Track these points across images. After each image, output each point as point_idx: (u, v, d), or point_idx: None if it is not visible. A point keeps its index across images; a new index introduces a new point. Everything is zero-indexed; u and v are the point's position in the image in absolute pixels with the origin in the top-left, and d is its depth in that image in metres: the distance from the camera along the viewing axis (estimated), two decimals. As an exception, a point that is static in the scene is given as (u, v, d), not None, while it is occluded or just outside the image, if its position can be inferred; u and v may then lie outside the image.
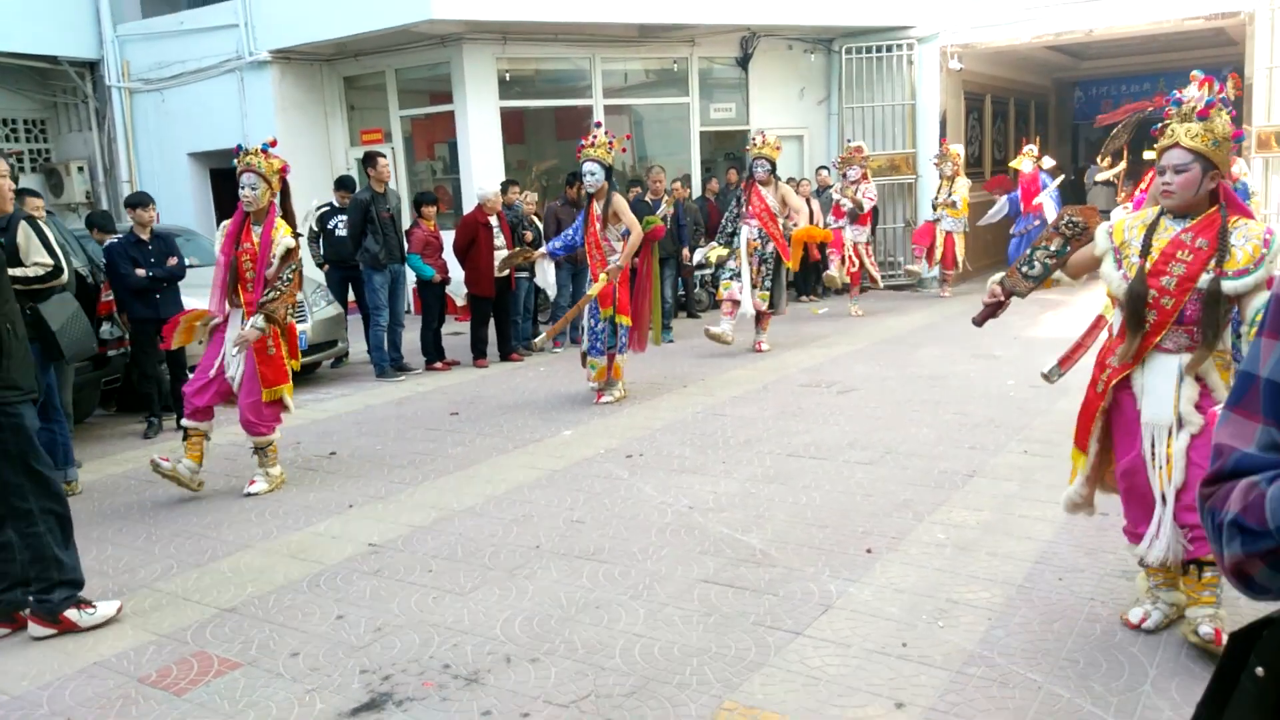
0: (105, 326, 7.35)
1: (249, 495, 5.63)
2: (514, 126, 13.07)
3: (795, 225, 9.22)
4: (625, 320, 7.39)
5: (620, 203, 7.38)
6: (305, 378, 9.30)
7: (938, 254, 12.55)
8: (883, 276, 13.60)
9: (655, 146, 14.56)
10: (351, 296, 9.84)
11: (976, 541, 4.35)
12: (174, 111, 13.99)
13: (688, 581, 4.08)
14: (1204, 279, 3.12)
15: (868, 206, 11.68)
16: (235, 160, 5.76)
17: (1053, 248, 3.57)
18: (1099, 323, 4.60)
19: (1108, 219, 3.63)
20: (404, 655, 3.56)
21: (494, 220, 9.43)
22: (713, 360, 9.08)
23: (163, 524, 5.25)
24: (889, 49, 13.60)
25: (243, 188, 5.59)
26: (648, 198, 10.54)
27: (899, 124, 13.78)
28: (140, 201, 7.47)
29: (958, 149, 12.62)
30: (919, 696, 3.09)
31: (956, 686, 3.14)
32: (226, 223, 5.80)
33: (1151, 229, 3.26)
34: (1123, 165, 9.60)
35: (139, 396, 7.54)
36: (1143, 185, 5.64)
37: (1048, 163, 13.32)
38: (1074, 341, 4.42)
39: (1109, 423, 3.42)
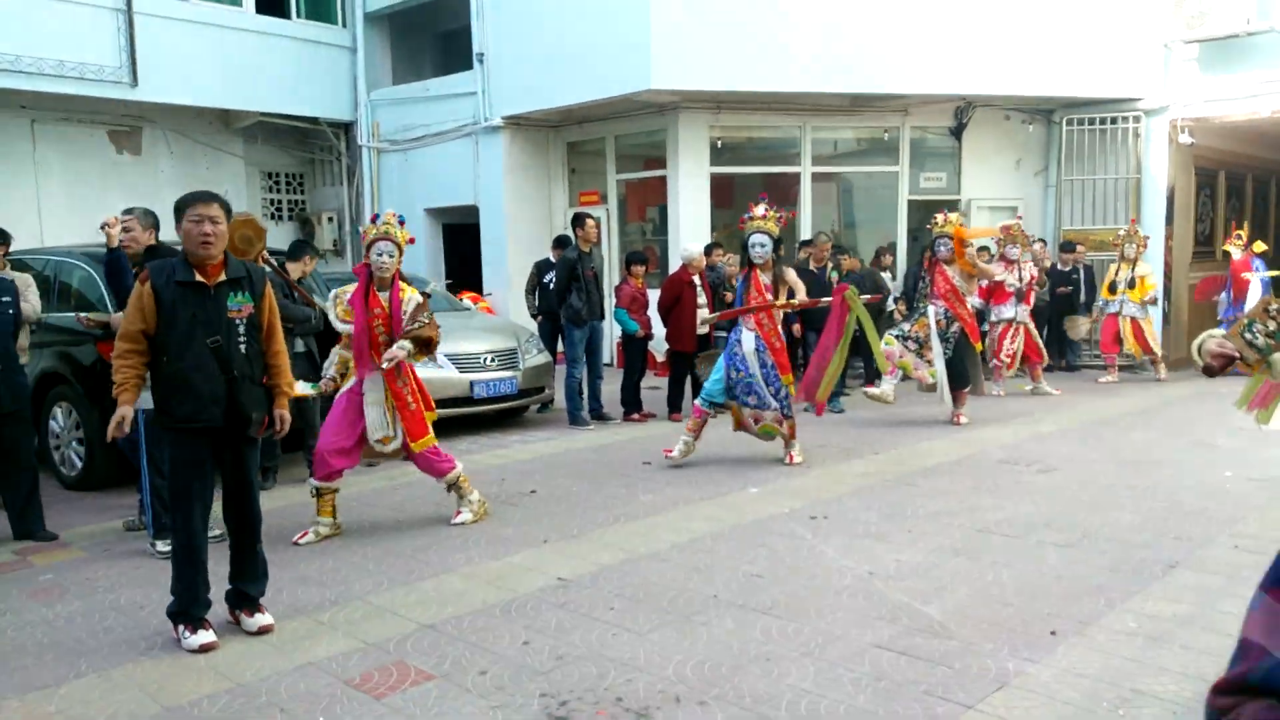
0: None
1: (455, 525, 6.08)
2: (723, 192, 13.47)
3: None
4: (791, 386, 7.62)
5: (789, 271, 7.72)
6: (512, 420, 9.89)
7: (1125, 344, 11.95)
8: (1096, 356, 13.01)
9: (862, 214, 14.60)
10: (560, 347, 10.41)
11: (1171, 634, 4.14)
12: (415, 169, 15.32)
13: (861, 645, 4.11)
14: None
15: (1010, 281, 10.93)
16: (363, 229, 6.13)
17: (1271, 326, 3.32)
18: None
19: None
20: (581, 684, 3.78)
21: (697, 280, 9.75)
22: (907, 430, 8.98)
23: (377, 544, 5.75)
24: (1113, 121, 13.10)
25: (379, 255, 5.83)
26: (811, 266, 10.55)
27: (1121, 198, 13.20)
28: (297, 253, 8.22)
29: (1146, 234, 12.06)
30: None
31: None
32: (345, 290, 6.01)
33: None
34: None
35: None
36: None
37: (1259, 247, 12.48)
38: None
39: None
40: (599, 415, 9.74)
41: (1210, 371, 3.49)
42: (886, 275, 12.67)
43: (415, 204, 15.29)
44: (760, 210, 7.49)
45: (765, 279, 7.49)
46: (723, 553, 5.40)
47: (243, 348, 4.27)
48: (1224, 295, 12.57)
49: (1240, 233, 12.53)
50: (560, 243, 10.94)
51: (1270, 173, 16.77)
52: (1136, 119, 12.95)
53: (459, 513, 6.18)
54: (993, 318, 11.15)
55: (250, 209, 15.58)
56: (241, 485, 4.44)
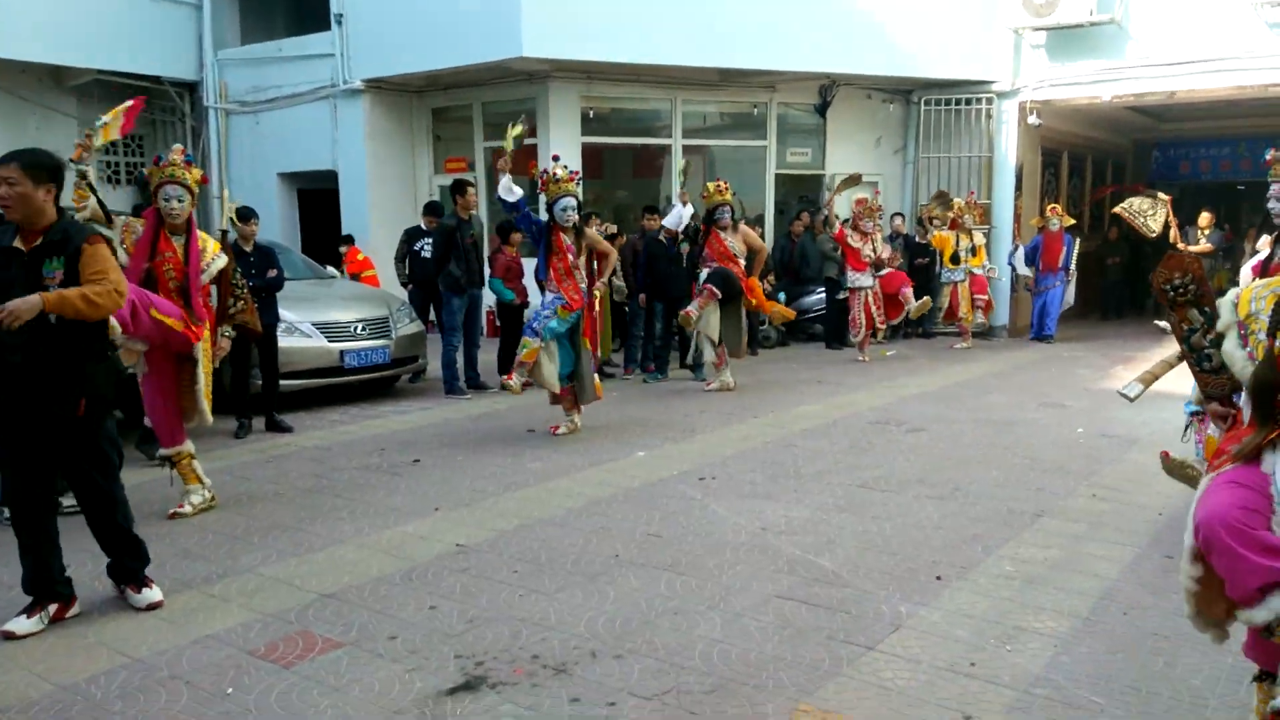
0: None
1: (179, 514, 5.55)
2: (594, 162, 13.45)
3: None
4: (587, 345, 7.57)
5: (593, 233, 7.78)
6: (385, 391, 9.67)
7: (964, 303, 12.60)
8: (951, 324, 13.71)
9: (730, 187, 14.80)
10: (432, 316, 10.22)
11: (1044, 576, 4.45)
12: (267, 134, 14.66)
13: (763, 596, 4.24)
14: None
15: (865, 252, 11.30)
16: (145, 172, 5.67)
17: (1196, 324, 3.00)
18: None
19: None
20: (495, 645, 3.77)
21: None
22: (781, 396, 9.24)
23: (258, 517, 5.54)
24: (967, 102, 13.76)
25: (167, 199, 5.46)
26: (661, 235, 10.39)
27: (975, 175, 13.90)
28: (245, 216, 7.92)
29: (986, 203, 12.96)
30: (986, 712, 3.22)
31: (1022, 705, 3.26)
32: (136, 224, 5.57)
33: None
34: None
35: (231, 399, 7.91)
36: (1259, 249, 5.39)
37: (1069, 221, 13.45)
38: (1158, 363, 4.53)
39: None
40: (476, 385, 9.63)
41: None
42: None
43: (268, 169, 14.66)
44: (564, 172, 7.34)
45: (569, 240, 7.36)
46: (618, 515, 5.46)
47: (52, 318, 3.74)
48: (1033, 263, 13.19)
49: (1057, 206, 13.36)
50: (431, 210, 10.72)
51: (1107, 154, 17.97)
52: (989, 101, 13.64)
53: (181, 505, 5.60)
54: (849, 284, 11.46)
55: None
56: (75, 461, 4.06)
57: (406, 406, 9.00)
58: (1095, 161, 17.49)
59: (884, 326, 11.58)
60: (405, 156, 14.24)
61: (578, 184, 7.49)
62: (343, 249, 12.92)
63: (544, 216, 7.50)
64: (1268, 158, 4.73)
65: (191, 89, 15.15)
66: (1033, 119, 13.55)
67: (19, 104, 13.98)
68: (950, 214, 12.54)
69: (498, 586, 4.37)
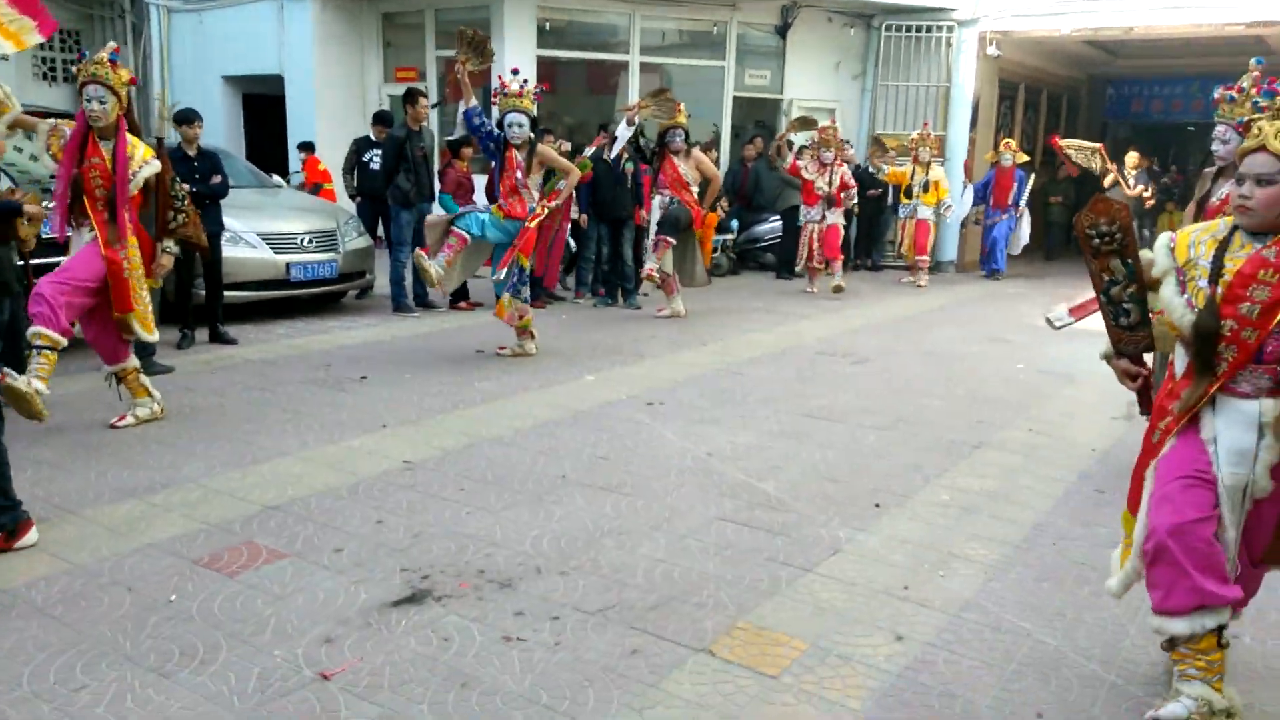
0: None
1: (120, 427, 5.45)
2: (548, 77, 13.16)
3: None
4: (524, 261, 7.30)
5: (547, 150, 7.45)
6: (331, 306, 9.55)
7: (908, 242, 12.53)
8: (898, 258, 13.83)
9: (687, 108, 14.54)
10: (381, 231, 10.04)
11: (979, 505, 4.59)
12: (211, 34, 14.11)
13: (706, 518, 4.33)
14: None
15: (820, 185, 11.12)
16: (75, 70, 5.36)
17: (1118, 276, 2.78)
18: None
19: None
20: (441, 559, 3.81)
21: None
22: (731, 324, 9.30)
23: (201, 428, 5.49)
24: (928, 29, 13.67)
25: (89, 100, 5.17)
26: (606, 155, 10.04)
27: (932, 106, 13.87)
28: (187, 118, 7.65)
29: (940, 134, 12.73)
30: (917, 632, 3.34)
31: (953, 627, 3.39)
32: (64, 126, 5.32)
33: (1223, 246, 2.67)
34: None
35: (175, 308, 7.75)
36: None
37: (1022, 158, 13.36)
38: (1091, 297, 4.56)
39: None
40: (425, 303, 9.53)
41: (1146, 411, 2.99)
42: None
43: (211, 71, 14.16)
44: (516, 86, 7.10)
45: (520, 157, 7.12)
46: (566, 436, 5.50)
47: None
48: (984, 199, 13.21)
49: (1011, 141, 13.30)
50: (381, 120, 10.45)
51: (1064, 88, 18.02)
52: (949, 29, 13.56)
53: (123, 416, 5.50)
54: (801, 219, 11.39)
55: (18, 69, 13.96)
56: None
57: (353, 322, 8.90)
58: (1051, 96, 17.55)
59: (821, 266, 11.33)
60: (354, 63, 13.82)
61: (534, 99, 7.23)
62: (302, 156, 12.59)
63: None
64: (1215, 95, 4.67)
65: (133, -15, 14.51)
66: (992, 49, 13.52)
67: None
68: (886, 153, 12.45)
69: (444, 503, 4.40)
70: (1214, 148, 4.73)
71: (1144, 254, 2.79)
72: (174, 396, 6.14)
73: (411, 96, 9.32)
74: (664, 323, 9.22)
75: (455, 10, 13.29)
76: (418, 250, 7.33)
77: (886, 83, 14.01)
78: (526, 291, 7.53)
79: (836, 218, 11.24)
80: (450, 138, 10.31)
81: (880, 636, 3.30)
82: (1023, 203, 13.05)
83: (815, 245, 11.22)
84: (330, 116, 13.40)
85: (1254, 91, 4.19)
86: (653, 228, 9.26)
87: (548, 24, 12.91)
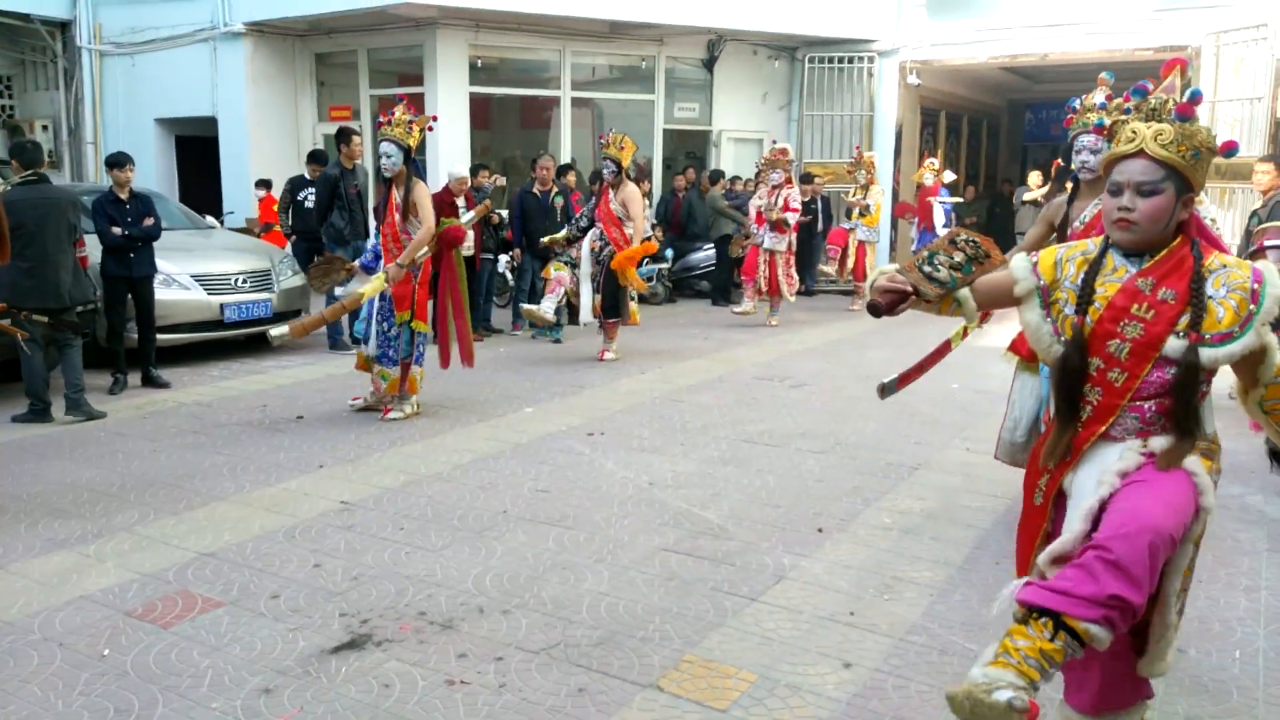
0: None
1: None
2: (481, 112, 13.22)
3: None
4: (422, 327, 6.57)
5: (421, 192, 6.51)
6: (267, 346, 9.37)
7: (850, 264, 12.48)
8: (833, 283, 14.03)
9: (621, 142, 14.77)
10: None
11: (920, 527, 4.66)
12: (144, 76, 13.90)
13: (649, 549, 4.33)
14: (1172, 345, 2.26)
15: (792, 219, 10.92)
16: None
17: (955, 259, 2.52)
18: (945, 348, 4.71)
19: None
20: (380, 602, 3.75)
21: (461, 201, 9.57)
22: (670, 351, 9.35)
23: (134, 475, 5.35)
24: (850, 60, 14.00)
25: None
26: (535, 189, 10.22)
27: (857, 134, 14.18)
28: (119, 161, 7.53)
29: (873, 155, 12.78)
30: (865, 659, 3.37)
31: (900, 652, 3.42)
32: None
33: (1094, 268, 2.37)
34: (1050, 184, 10.03)
35: (107, 353, 7.56)
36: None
37: (948, 177, 13.66)
38: (917, 362, 4.53)
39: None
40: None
41: (875, 309, 2.50)
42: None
43: (145, 113, 13.93)
44: (389, 116, 6.44)
45: (397, 197, 6.45)
46: (506, 470, 5.47)
47: None
48: (914, 222, 13.47)
49: (933, 160, 13.55)
50: (315, 158, 10.36)
51: (983, 114, 18.57)
52: (871, 60, 13.91)
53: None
54: (758, 239, 11.03)
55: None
56: None
57: (289, 361, 8.76)
58: (972, 122, 18.07)
59: (784, 295, 11.09)
60: (288, 103, 13.70)
61: (409, 128, 6.39)
62: (259, 193, 12.43)
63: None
64: (1078, 104, 4.32)
65: (64, 28, 14.22)
66: (912, 78, 13.90)
67: None
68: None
69: (383, 543, 4.34)
70: (1083, 159, 4.30)
71: (1013, 260, 2.51)
72: (106, 442, 5.99)
73: (344, 135, 9.25)
74: (593, 351, 9.21)
75: (388, 50, 13.29)
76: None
77: (812, 113, 14.30)
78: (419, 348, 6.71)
79: (776, 245, 11.01)
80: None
81: (828, 664, 3.32)
82: (952, 225, 13.30)
83: (780, 275, 10.97)
84: (264, 156, 13.24)
85: (1122, 101, 4.06)
86: (584, 266, 8.73)
87: (480, 61, 12.95)
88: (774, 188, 10.92)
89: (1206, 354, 2.25)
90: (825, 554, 4.31)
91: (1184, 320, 2.26)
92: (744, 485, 5.26)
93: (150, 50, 13.71)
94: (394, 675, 3.19)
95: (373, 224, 7.27)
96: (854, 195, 12.58)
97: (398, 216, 6.45)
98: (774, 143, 12.27)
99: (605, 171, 8.66)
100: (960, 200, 14.05)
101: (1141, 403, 2.31)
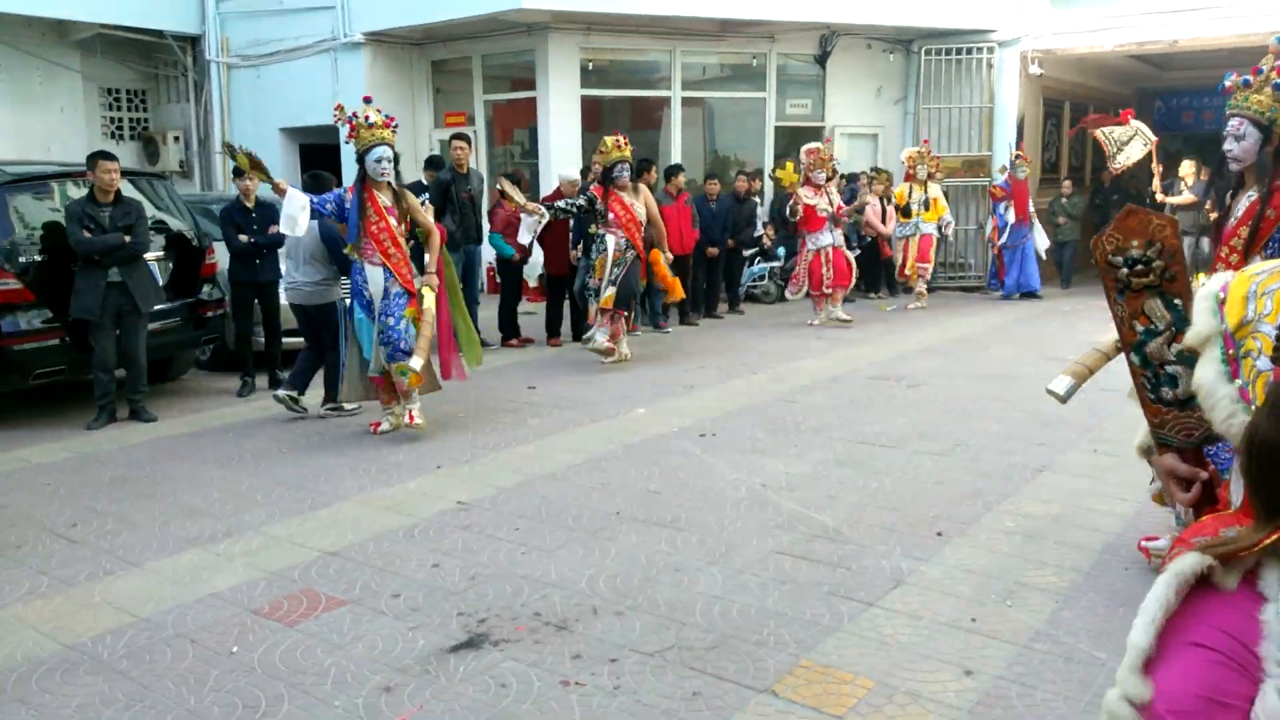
0: (206, 288, 7.76)
1: (345, 454, 5.91)
2: (592, 115, 13.31)
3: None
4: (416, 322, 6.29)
5: (413, 198, 6.46)
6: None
7: (910, 260, 11.91)
8: (953, 278, 13.63)
9: (729, 140, 14.71)
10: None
11: (1045, 531, 4.47)
12: (268, 88, 14.49)
13: (763, 552, 4.27)
14: None
15: (822, 206, 10.38)
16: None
17: (1158, 323, 1.88)
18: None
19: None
20: (497, 602, 3.79)
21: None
22: (782, 350, 9.23)
23: (262, 475, 5.56)
24: (968, 51, 13.56)
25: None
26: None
27: (976, 127, 13.74)
28: (243, 172, 7.84)
29: (936, 154, 12.31)
30: (987, 666, 3.24)
31: (1023, 659, 3.28)
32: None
33: None
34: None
35: (235, 356, 7.91)
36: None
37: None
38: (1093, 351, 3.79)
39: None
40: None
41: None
42: (755, 200, 12.86)
43: (269, 123, 14.51)
44: (376, 116, 6.16)
45: (387, 201, 6.24)
46: (619, 471, 5.48)
47: None
48: (1006, 212, 12.64)
49: (1020, 153, 12.88)
50: (432, 164, 10.61)
51: (1109, 104, 17.68)
52: (990, 50, 13.45)
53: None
54: (810, 246, 10.55)
55: (89, 127, 14.46)
56: None
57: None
58: (1098, 112, 17.26)
59: (830, 290, 10.59)
60: (406, 110, 14.06)
61: (394, 129, 6.27)
62: None
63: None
64: (1227, 83, 3.80)
65: (194, 42, 14.96)
66: (1034, 68, 13.38)
67: (24, 58, 13.78)
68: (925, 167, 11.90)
69: (499, 543, 4.40)
70: (1226, 147, 3.80)
71: (1197, 294, 1.75)
72: (234, 443, 6.25)
73: (451, 141, 9.45)
74: (714, 353, 9.16)
75: (502, 55, 13.53)
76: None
77: (929, 106, 13.91)
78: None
79: (838, 238, 10.68)
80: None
81: (949, 672, 3.21)
82: (1031, 210, 12.59)
83: (825, 270, 10.55)
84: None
85: (1274, 74, 3.61)
86: (608, 271, 8.39)
87: (591, 64, 13.06)
88: (819, 187, 10.45)
89: None
90: (945, 558, 4.17)
91: None
92: (859, 487, 5.15)
93: (274, 62, 14.29)
94: (510, 675, 3.22)
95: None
96: (911, 192, 11.82)
97: (394, 220, 6.22)
98: (828, 140, 11.70)
99: (621, 174, 8.38)
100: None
101: None
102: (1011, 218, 12.66)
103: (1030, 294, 12.83)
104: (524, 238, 8.45)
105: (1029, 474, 5.32)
